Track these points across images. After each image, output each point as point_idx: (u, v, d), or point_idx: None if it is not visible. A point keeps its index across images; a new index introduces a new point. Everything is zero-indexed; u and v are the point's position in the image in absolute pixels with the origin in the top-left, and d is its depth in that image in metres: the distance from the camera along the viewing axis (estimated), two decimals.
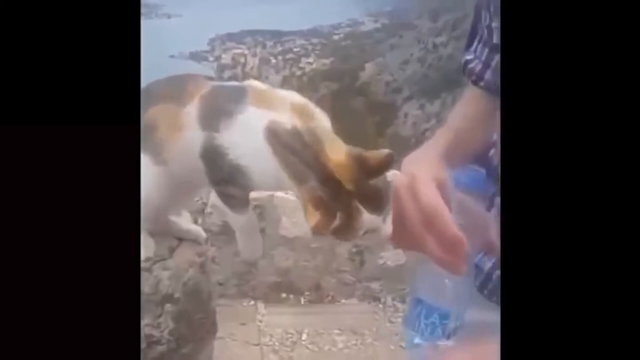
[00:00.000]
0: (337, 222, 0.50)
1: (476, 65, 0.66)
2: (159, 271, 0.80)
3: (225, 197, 0.64)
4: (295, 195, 0.58)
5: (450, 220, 0.48)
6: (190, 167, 0.64)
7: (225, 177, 0.61)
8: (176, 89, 0.66)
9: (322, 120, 0.59)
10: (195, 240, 0.86)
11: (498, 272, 0.62)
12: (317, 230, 0.51)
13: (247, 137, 0.58)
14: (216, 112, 0.61)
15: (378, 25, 34.13)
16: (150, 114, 0.65)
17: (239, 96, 0.60)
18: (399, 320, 2.10)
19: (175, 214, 0.86)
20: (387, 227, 0.52)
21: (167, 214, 0.82)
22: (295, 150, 0.55)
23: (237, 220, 0.66)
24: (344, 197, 0.51)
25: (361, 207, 0.50)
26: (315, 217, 0.50)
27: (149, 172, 0.66)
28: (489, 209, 0.63)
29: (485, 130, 0.65)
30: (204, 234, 0.87)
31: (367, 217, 0.50)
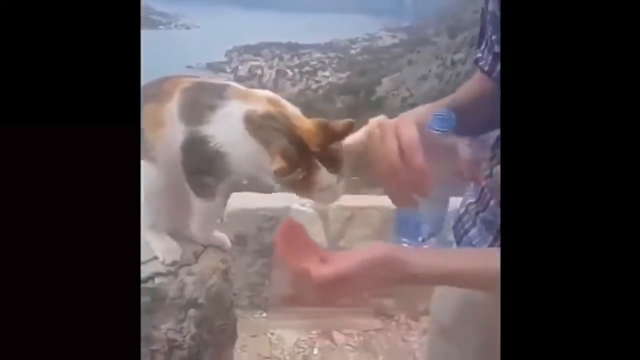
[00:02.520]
0: (299, 174, 0.58)
1: (484, 66, 0.71)
2: (184, 276, 0.80)
3: (199, 187, 0.71)
4: (312, 208, 0.65)
5: (420, 153, 0.56)
6: (173, 160, 0.70)
7: (202, 166, 0.68)
8: (153, 89, 0.71)
9: (293, 108, 0.66)
10: (220, 247, 0.86)
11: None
12: (279, 173, 0.58)
13: (227, 126, 0.65)
14: (198, 106, 0.67)
15: (396, 40, 34.33)
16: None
17: (220, 92, 0.67)
18: (412, 339, 2.07)
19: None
20: (340, 188, 0.61)
21: (186, 218, 0.83)
22: (268, 125, 0.63)
23: (200, 206, 0.74)
24: (308, 156, 0.59)
25: (320, 165, 0.59)
26: (280, 163, 0.58)
27: (144, 172, 0.71)
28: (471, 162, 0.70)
29: (487, 108, 0.68)
30: (229, 242, 0.87)
31: (324, 174, 0.59)
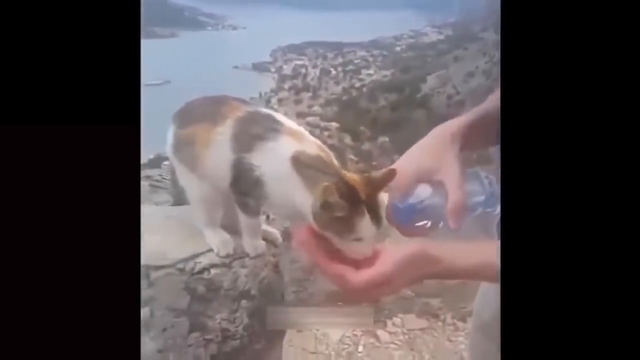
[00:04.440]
0: (343, 212, 0.55)
1: None
2: (238, 268, 0.83)
3: (243, 205, 0.78)
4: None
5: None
6: (222, 179, 0.76)
7: (246, 189, 0.73)
8: (211, 109, 0.76)
9: (336, 161, 0.69)
10: (272, 242, 0.88)
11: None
12: (326, 193, 0.55)
13: (273, 160, 0.69)
14: (249, 135, 0.72)
15: (442, 37, 33.63)
16: (188, 131, 0.77)
17: (272, 124, 0.72)
18: (459, 339, 2.04)
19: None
20: (375, 245, 0.56)
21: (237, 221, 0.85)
22: (318, 168, 0.65)
23: (246, 222, 0.81)
24: (356, 199, 0.57)
25: (366, 212, 0.57)
26: (332, 195, 0.55)
27: (197, 182, 0.79)
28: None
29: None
30: (280, 237, 0.89)
31: (367, 224, 0.56)
